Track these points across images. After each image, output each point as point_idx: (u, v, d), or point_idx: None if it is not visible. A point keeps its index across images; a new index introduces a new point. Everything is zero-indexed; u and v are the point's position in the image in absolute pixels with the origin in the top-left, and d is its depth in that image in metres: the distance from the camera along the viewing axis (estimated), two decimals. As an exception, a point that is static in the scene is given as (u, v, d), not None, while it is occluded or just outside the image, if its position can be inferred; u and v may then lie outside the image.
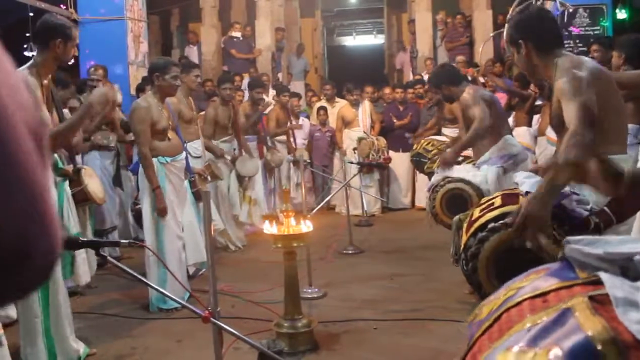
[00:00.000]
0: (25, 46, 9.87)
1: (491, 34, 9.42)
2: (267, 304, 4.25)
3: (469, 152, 5.04)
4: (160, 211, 4.34)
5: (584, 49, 7.64)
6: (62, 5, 8.90)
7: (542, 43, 2.70)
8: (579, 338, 0.90)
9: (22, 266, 0.54)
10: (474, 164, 4.80)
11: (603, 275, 1.07)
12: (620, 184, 1.45)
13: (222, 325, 2.28)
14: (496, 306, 1.21)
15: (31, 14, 8.91)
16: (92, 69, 6.63)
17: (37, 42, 3.38)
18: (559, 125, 2.65)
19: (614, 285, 1.03)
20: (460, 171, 4.80)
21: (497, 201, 3.05)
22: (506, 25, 2.88)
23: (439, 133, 7.71)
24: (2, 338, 2.77)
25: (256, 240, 6.48)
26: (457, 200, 4.62)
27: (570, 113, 2.42)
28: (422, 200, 8.10)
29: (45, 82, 3.37)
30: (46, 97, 3.35)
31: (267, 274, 5.12)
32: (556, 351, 0.90)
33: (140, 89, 6.93)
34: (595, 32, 8.79)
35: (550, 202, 2.41)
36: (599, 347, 0.88)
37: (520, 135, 6.95)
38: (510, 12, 2.92)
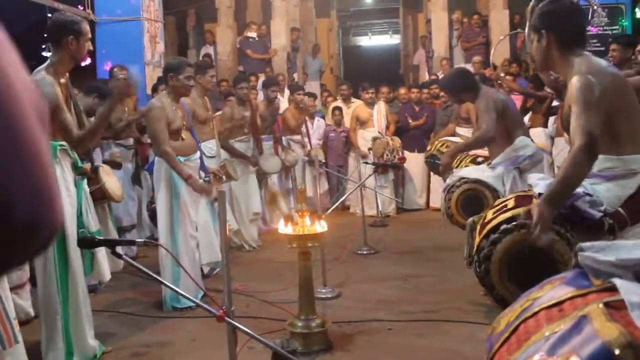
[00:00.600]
0: (43, 47, 9.98)
1: (501, 37, 9.32)
2: (281, 303, 4.26)
3: (486, 152, 5.02)
4: (204, 192, 4.45)
5: (602, 48, 7.56)
6: (79, 6, 8.98)
7: (564, 38, 2.63)
8: (596, 345, 0.90)
9: (29, 238, 0.58)
10: (489, 165, 4.78)
11: (617, 282, 1.06)
12: None
13: (237, 324, 2.29)
14: (512, 318, 1.21)
15: (49, 15, 9.01)
16: (117, 69, 6.61)
17: (51, 42, 3.41)
18: (570, 126, 2.62)
19: (629, 290, 1.02)
20: (476, 172, 4.77)
21: (511, 203, 3.03)
22: (531, 8, 2.80)
23: (453, 134, 7.67)
24: (18, 336, 2.80)
25: (271, 240, 6.49)
26: (473, 201, 4.59)
27: (575, 129, 2.39)
28: (436, 201, 8.06)
29: (63, 81, 3.41)
30: (65, 97, 3.38)
31: (282, 273, 5.12)
32: (574, 359, 0.90)
33: (154, 89, 6.98)
34: (614, 32, 8.69)
35: (557, 206, 2.39)
36: (617, 352, 0.87)
37: (536, 136, 6.89)
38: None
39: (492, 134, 4.52)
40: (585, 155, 2.33)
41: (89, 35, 3.43)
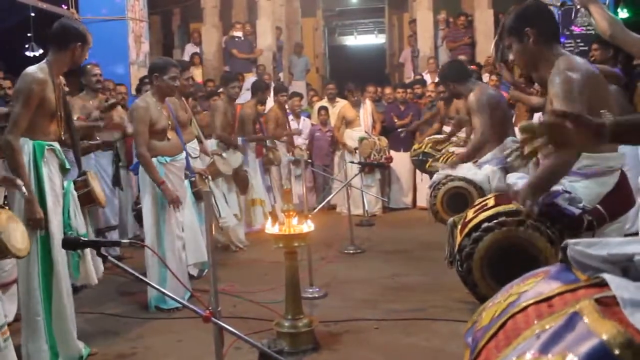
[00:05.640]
0: (26, 46, 9.87)
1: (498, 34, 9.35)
2: (268, 303, 4.25)
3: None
4: (172, 202, 4.36)
5: (585, 48, 7.62)
6: (63, 6, 8.91)
7: (546, 32, 2.68)
8: (593, 343, 0.89)
9: None
10: (476, 163, 4.80)
11: (607, 277, 1.06)
12: (601, 135, 1.45)
13: (223, 324, 2.28)
14: (498, 312, 1.19)
15: (32, 14, 8.92)
16: (90, 66, 6.21)
17: (55, 43, 3.44)
18: None
19: (619, 286, 1.01)
20: (462, 170, 4.79)
21: (491, 202, 3.06)
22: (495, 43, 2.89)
23: (440, 133, 7.69)
24: (2, 340, 2.77)
25: (257, 241, 6.48)
26: (458, 198, 4.62)
27: None
28: (423, 200, 8.10)
29: (57, 81, 3.43)
30: (57, 96, 3.40)
31: (268, 273, 5.12)
32: (571, 358, 0.89)
33: (137, 90, 6.92)
34: (597, 32, 8.74)
35: (539, 194, 2.41)
36: (617, 352, 0.86)
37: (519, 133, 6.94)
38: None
39: (488, 134, 4.56)
40: None
41: (91, 46, 3.57)
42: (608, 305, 0.98)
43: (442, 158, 5.58)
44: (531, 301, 1.13)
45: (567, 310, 1.02)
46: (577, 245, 1.20)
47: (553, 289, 1.13)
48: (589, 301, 1.00)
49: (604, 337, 0.89)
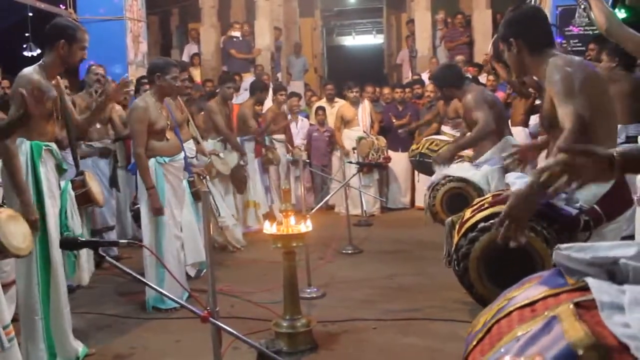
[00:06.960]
0: (24, 46, 9.86)
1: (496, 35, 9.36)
2: (266, 303, 4.26)
3: (465, 151, 5.06)
4: (155, 211, 4.33)
5: (582, 48, 7.64)
6: (61, 5, 8.90)
7: (533, 42, 2.68)
8: (561, 346, 0.91)
9: None
10: (473, 163, 4.81)
11: (590, 281, 1.08)
12: (612, 167, 1.42)
13: (221, 324, 2.28)
14: (489, 318, 1.22)
15: (30, 14, 8.92)
16: (94, 66, 6.33)
17: (45, 43, 3.43)
18: (550, 126, 2.64)
19: (600, 289, 1.03)
20: (461, 170, 4.80)
21: (488, 201, 3.06)
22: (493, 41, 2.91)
23: (438, 133, 7.70)
24: (5, 342, 2.76)
25: (255, 241, 6.48)
26: (458, 199, 4.63)
27: (564, 115, 2.42)
28: (421, 200, 8.09)
29: (54, 82, 3.42)
30: (54, 98, 3.39)
31: (267, 274, 5.12)
32: None
33: (136, 90, 6.90)
34: (595, 32, 8.76)
35: (534, 200, 2.38)
36: (580, 353, 0.89)
37: (516, 134, 6.95)
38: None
39: (491, 127, 4.57)
40: (577, 138, 2.35)
41: (84, 44, 3.42)
42: (588, 309, 1.00)
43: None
44: (517, 306, 1.16)
45: (548, 314, 1.04)
46: (565, 250, 1.21)
47: (538, 294, 1.16)
48: (567, 305, 1.02)
49: (571, 340, 0.91)
